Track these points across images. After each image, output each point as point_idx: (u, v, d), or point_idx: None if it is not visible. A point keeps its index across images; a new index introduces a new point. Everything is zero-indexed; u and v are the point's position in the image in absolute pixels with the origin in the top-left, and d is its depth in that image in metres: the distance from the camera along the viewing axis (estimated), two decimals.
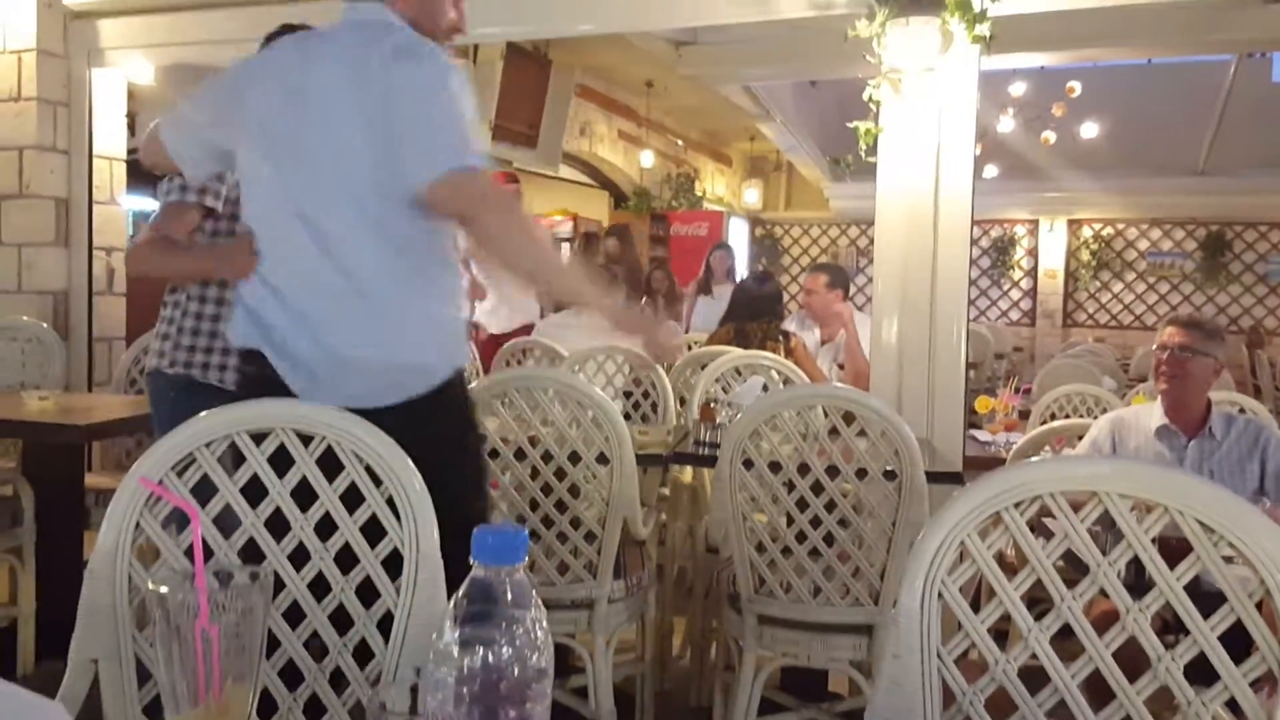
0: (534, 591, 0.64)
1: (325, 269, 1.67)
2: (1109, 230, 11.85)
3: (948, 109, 3.30)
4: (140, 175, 5.32)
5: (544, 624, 0.63)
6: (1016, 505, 1.08)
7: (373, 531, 1.22)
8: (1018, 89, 8.19)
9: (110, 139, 4.53)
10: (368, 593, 1.20)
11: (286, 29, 2.22)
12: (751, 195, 12.18)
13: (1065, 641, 1.06)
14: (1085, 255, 11.88)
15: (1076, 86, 8.00)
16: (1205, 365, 2.59)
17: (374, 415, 1.53)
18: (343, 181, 1.66)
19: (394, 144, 1.63)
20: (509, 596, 0.62)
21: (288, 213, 1.69)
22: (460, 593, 0.63)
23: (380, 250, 1.68)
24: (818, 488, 2.34)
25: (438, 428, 1.71)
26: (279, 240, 1.72)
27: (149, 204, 9.83)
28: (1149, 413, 2.69)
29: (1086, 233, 11.91)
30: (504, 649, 0.61)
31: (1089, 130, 8.87)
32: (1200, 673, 1.01)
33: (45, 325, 3.92)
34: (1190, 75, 9.53)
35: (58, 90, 4.34)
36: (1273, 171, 9.81)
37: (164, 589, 0.72)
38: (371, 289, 1.68)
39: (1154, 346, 2.70)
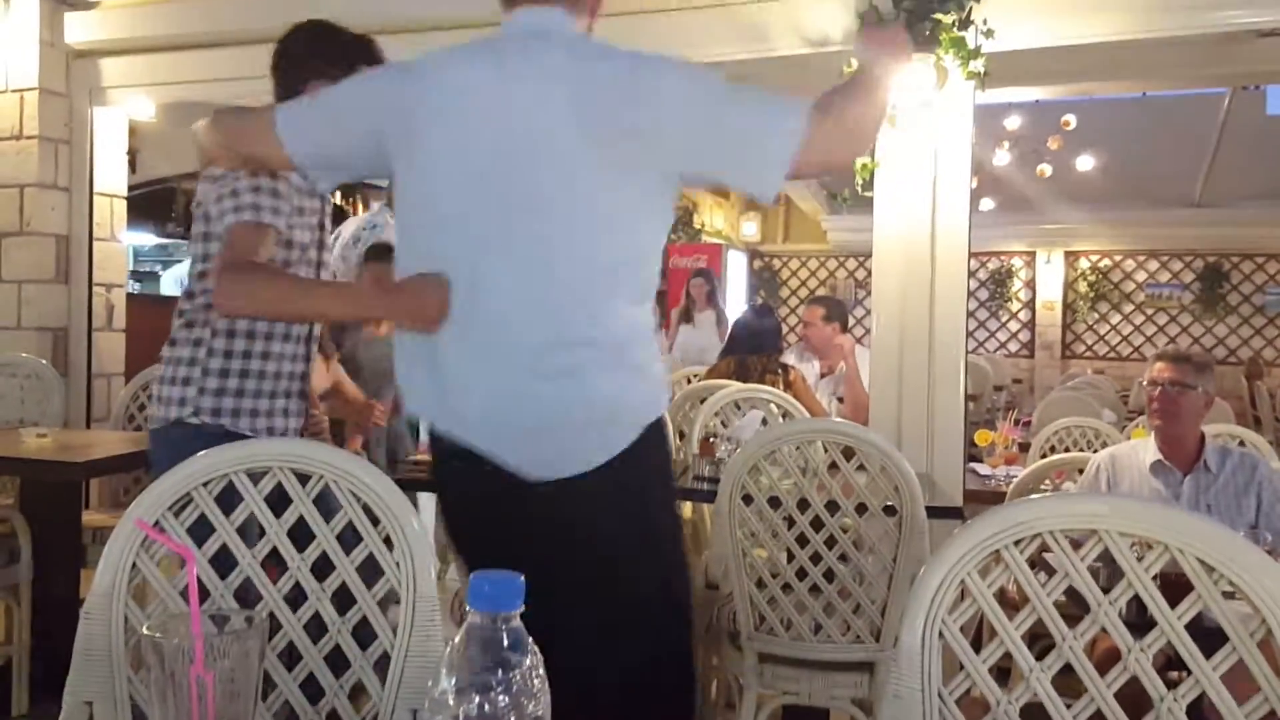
0: (530, 640, 0.63)
1: (533, 313, 1.45)
2: (1106, 262, 11.89)
3: (943, 143, 3.32)
4: (141, 211, 5.34)
5: (540, 671, 0.63)
6: (1016, 543, 1.07)
7: (369, 571, 1.21)
8: (1013, 122, 8.24)
9: (111, 176, 4.56)
10: (364, 633, 1.20)
11: (313, 29, 2.08)
12: (750, 228, 12.24)
13: (1068, 677, 1.05)
14: (1083, 287, 11.92)
15: (1072, 120, 8.06)
16: (1196, 399, 2.60)
17: (580, 481, 1.45)
18: (571, 214, 1.46)
19: (709, 164, 1.48)
20: (505, 643, 0.62)
21: (493, 251, 1.46)
22: (456, 639, 0.63)
23: (602, 288, 1.47)
24: (818, 523, 2.34)
25: (643, 485, 1.54)
26: (474, 284, 1.47)
27: (148, 239, 9.77)
28: (1143, 449, 2.68)
29: (1084, 264, 11.95)
30: (500, 697, 0.61)
31: (1085, 163, 8.92)
32: (1203, 711, 1.00)
33: (44, 362, 3.93)
34: (1185, 108, 9.60)
35: (59, 128, 4.37)
36: (1269, 203, 9.87)
37: (159, 635, 0.72)
38: (592, 335, 1.46)
39: (1144, 383, 2.70)
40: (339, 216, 3.83)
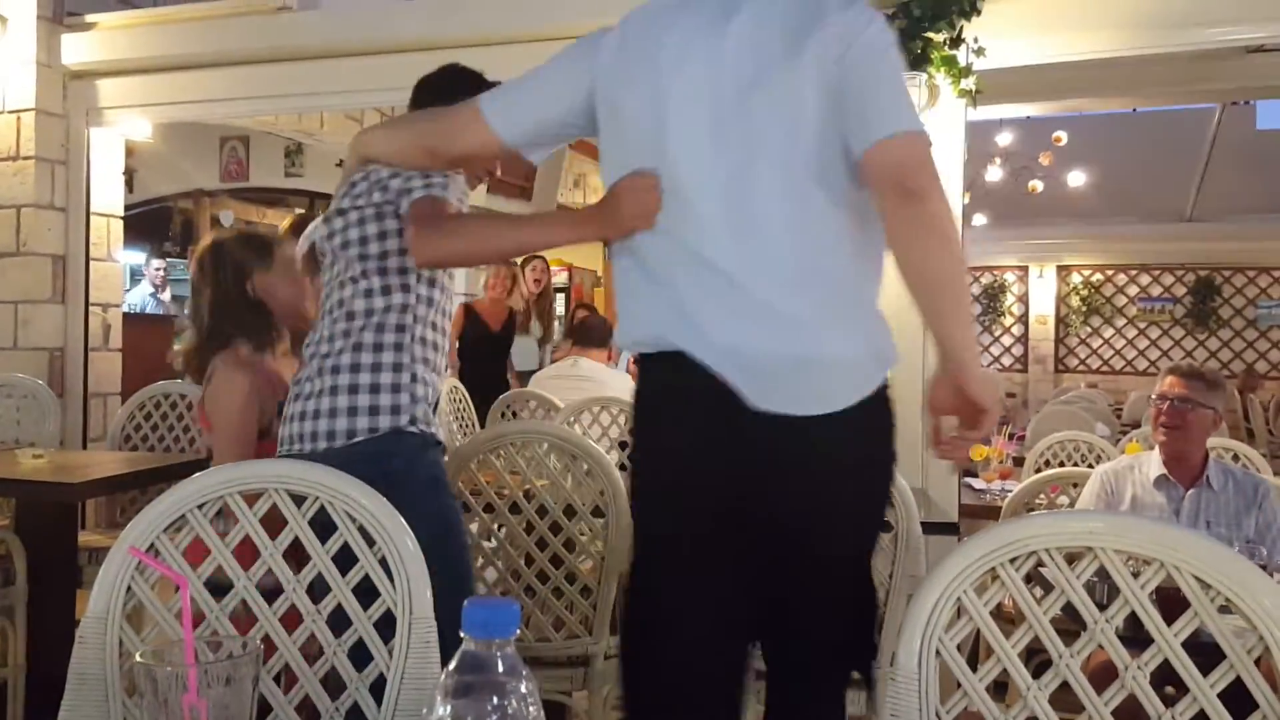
0: (525, 667, 0.63)
1: (752, 257, 1.46)
2: (1098, 276, 11.94)
3: (936, 160, 3.33)
4: (137, 231, 5.36)
5: (536, 698, 0.63)
6: (1012, 561, 1.08)
7: (366, 592, 1.21)
8: (1005, 139, 8.30)
9: (108, 196, 4.57)
10: (360, 655, 1.19)
11: (456, 68, 2.07)
12: None
13: (1065, 693, 1.05)
14: (1075, 301, 11.97)
15: (1063, 136, 8.12)
16: (1205, 417, 2.60)
17: (801, 425, 1.42)
18: (787, 155, 1.45)
19: (844, 100, 1.43)
20: (500, 670, 0.62)
21: (709, 193, 1.47)
22: (450, 666, 0.63)
23: (818, 233, 1.46)
24: None
25: (867, 447, 1.52)
26: (693, 224, 1.49)
27: (141, 258, 9.73)
28: (1146, 461, 2.69)
29: (1076, 279, 12.00)
30: None
31: (1076, 178, 8.98)
32: None
33: (40, 382, 3.92)
34: (1176, 123, 9.67)
35: (56, 149, 4.38)
36: (1259, 217, 9.94)
37: (152, 663, 0.72)
38: (813, 278, 1.46)
39: (1153, 396, 2.70)
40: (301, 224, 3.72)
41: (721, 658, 1.56)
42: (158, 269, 8.78)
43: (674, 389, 1.52)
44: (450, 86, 2.02)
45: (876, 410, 1.51)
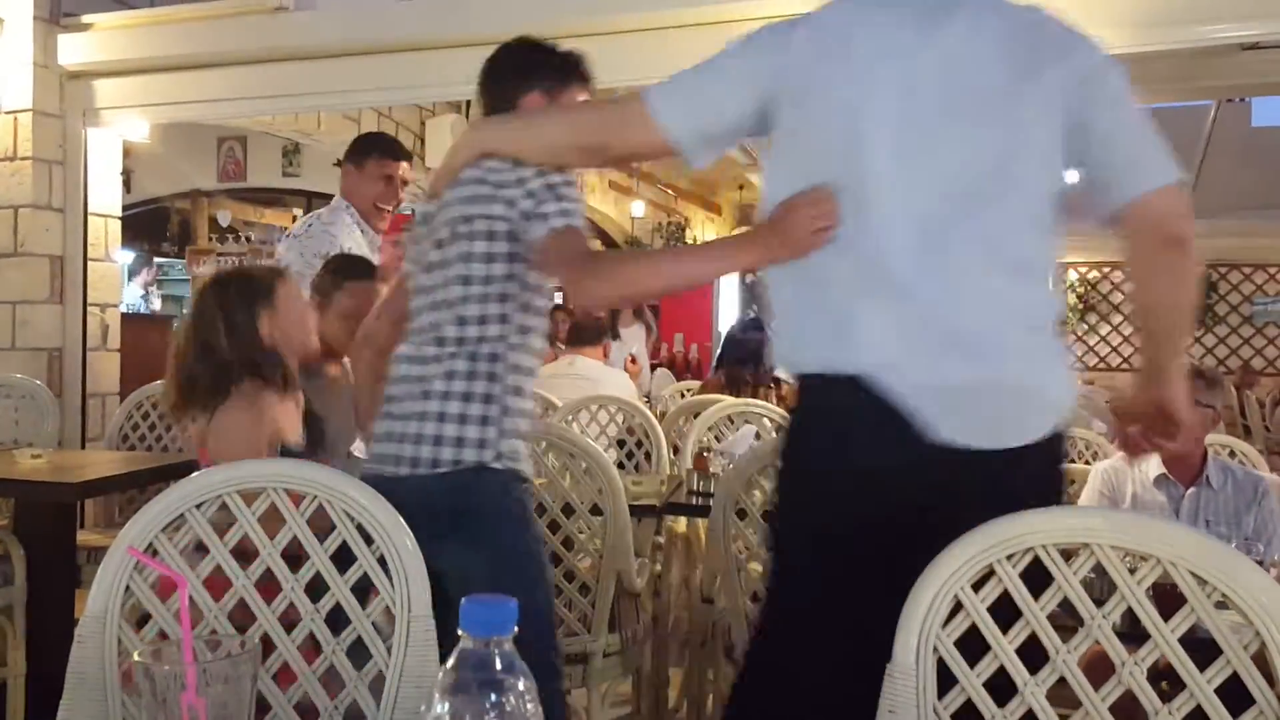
0: (524, 664, 0.63)
1: (948, 283, 1.38)
2: (1095, 274, 11.94)
3: None
4: (135, 231, 5.35)
5: (534, 695, 0.63)
6: (1009, 558, 1.08)
7: (363, 591, 1.21)
8: None
9: (105, 196, 4.57)
10: (359, 653, 1.20)
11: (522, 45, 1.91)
12: None
13: (1062, 688, 1.05)
14: (1071, 299, 11.96)
15: None
16: (1204, 415, 2.60)
17: (984, 458, 1.34)
18: (998, 180, 1.39)
19: (1092, 137, 1.40)
20: (498, 668, 0.62)
21: (905, 212, 1.38)
22: (449, 664, 0.63)
23: (1020, 261, 1.41)
24: None
25: (1048, 481, 1.44)
26: (882, 244, 1.39)
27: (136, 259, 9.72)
28: (1145, 459, 2.68)
29: (1072, 276, 12.00)
30: None
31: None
32: None
33: (38, 382, 3.92)
34: (1171, 120, 9.61)
35: (53, 150, 4.38)
36: (1255, 214, 9.94)
37: (150, 661, 0.72)
38: (1006, 305, 1.40)
39: None
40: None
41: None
42: (152, 268, 8.81)
43: (846, 414, 1.41)
44: (532, 63, 1.87)
45: (1058, 442, 1.43)
